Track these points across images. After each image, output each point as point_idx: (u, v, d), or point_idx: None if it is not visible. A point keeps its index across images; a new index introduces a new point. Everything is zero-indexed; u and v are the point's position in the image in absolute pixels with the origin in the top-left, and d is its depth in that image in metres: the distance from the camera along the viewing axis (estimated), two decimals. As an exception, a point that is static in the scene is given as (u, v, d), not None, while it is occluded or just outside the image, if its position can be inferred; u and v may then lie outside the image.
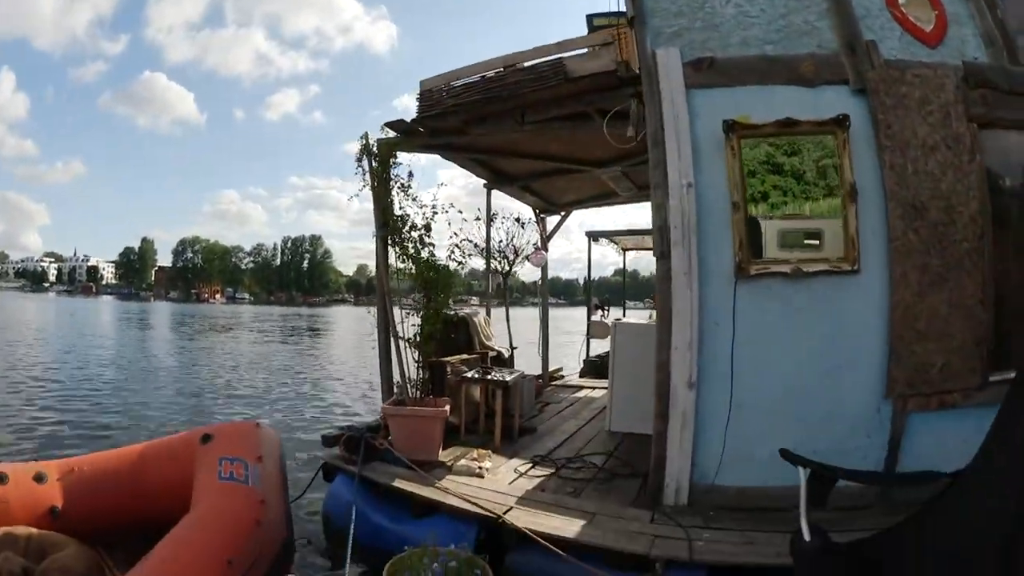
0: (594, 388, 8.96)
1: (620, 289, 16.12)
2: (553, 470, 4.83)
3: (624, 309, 12.81)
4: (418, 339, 5.28)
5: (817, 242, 4.17)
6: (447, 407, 5.02)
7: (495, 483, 4.42)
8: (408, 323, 5.38)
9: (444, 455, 4.90)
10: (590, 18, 5.16)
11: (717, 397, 4.00)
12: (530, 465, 4.94)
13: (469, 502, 3.90)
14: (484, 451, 4.88)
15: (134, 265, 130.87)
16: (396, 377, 5.39)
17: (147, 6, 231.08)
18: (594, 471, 4.83)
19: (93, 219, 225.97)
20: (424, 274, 5.29)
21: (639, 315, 10.52)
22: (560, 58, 4.78)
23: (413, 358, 5.30)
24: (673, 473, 4.04)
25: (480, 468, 4.51)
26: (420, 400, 5.10)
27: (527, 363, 8.61)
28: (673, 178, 4.05)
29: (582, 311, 12.81)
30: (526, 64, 4.98)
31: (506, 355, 7.83)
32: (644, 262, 12.92)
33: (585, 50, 4.76)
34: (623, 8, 4.90)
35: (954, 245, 4.12)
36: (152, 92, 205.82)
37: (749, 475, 3.98)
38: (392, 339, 5.47)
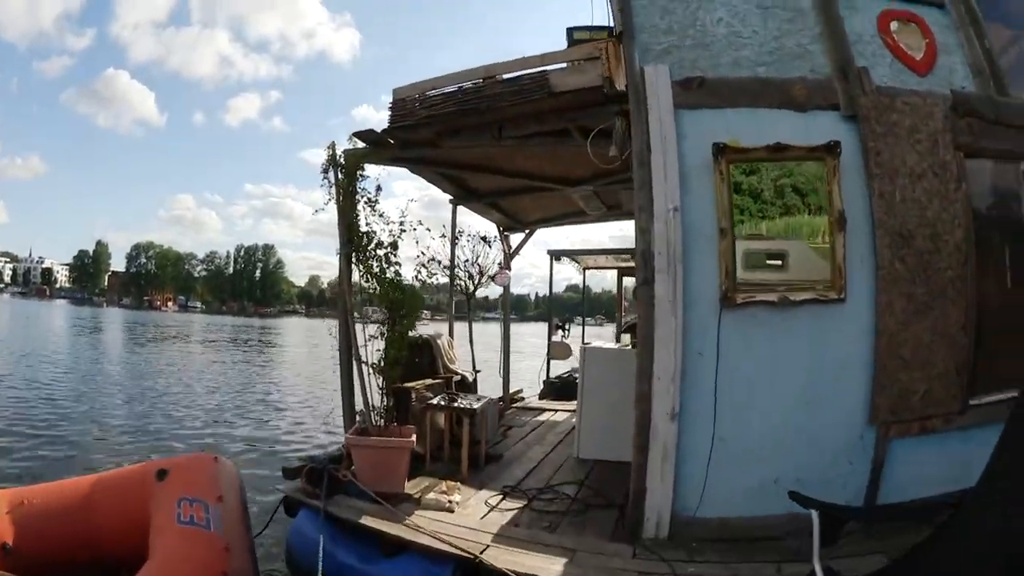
0: (556, 411, 8.83)
1: (572, 306, 16.12)
2: (525, 502, 4.68)
3: (583, 327, 12.75)
4: (383, 364, 5.04)
5: (780, 263, 4.12)
6: (413, 437, 4.84)
7: (466, 518, 4.26)
8: (372, 346, 5.12)
9: (410, 486, 4.73)
10: (571, 31, 4.96)
11: (699, 428, 3.92)
12: (501, 497, 4.78)
13: (443, 541, 3.73)
14: (453, 483, 4.70)
15: (88, 269, 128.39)
16: (359, 404, 5.16)
17: (115, 1, 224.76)
18: (568, 502, 4.70)
19: (50, 218, 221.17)
20: (389, 295, 5.05)
21: (595, 333, 10.31)
22: (544, 71, 4.63)
23: (377, 384, 5.05)
24: (654, 506, 3.93)
25: (450, 502, 4.34)
26: (384, 429, 4.89)
27: (485, 382, 8.48)
28: (659, 201, 3.96)
29: (534, 327, 12.86)
30: (506, 76, 4.82)
31: (470, 379, 7.66)
32: (596, 278, 12.95)
33: (564, 64, 4.59)
34: (604, 23, 4.79)
35: (939, 273, 4.14)
36: (114, 90, 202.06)
37: (731, 506, 3.92)
38: (355, 363, 5.26)
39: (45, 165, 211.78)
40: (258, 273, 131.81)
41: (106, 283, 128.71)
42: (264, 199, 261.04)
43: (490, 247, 8.82)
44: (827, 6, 4.47)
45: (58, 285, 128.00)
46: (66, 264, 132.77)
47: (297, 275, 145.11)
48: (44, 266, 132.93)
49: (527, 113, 4.88)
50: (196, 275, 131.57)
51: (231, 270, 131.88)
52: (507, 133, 5.07)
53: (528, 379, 11.62)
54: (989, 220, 4.81)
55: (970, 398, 4.09)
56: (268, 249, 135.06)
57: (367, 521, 4.03)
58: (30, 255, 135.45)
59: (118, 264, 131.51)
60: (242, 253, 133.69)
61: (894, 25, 4.60)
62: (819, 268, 4.05)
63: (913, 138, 4.23)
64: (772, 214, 4.11)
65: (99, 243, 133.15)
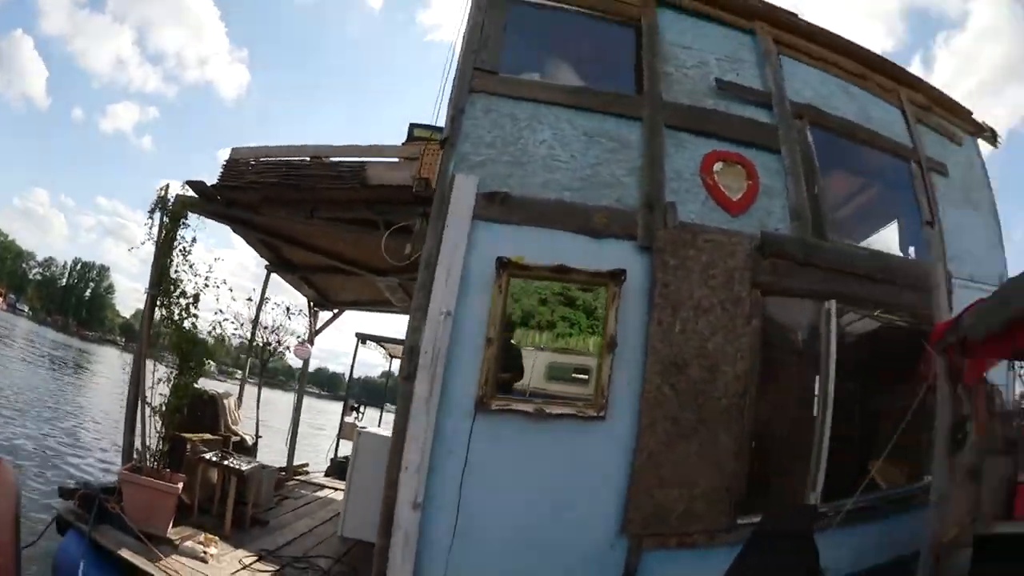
0: (336, 489, 8.94)
1: (383, 391, 16.62)
2: (278, 567, 4.93)
3: (382, 412, 13.33)
4: (164, 410, 5.25)
5: (586, 376, 4.53)
6: (180, 484, 5.04)
7: (218, 571, 4.52)
8: (158, 389, 5.32)
9: (173, 532, 4.93)
10: (412, 127, 5.30)
11: (444, 521, 4.20)
12: (256, 559, 5.00)
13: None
14: (212, 537, 4.91)
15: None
16: (138, 443, 5.33)
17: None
18: (319, 574, 4.96)
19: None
20: (182, 345, 5.31)
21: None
22: (363, 162, 5.02)
23: (156, 428, 5.25)
24: (393, 587, 4.23)
25: (205, 552, 4.63)
26: (158, 472, 5.09)
27: (275, 452, 8.67)
28: (434, 304, 4.34)
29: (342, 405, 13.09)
30: (332, 159, 5.18)
31: (249, 443, 7.83)
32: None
33: (396, 159, 4.94)
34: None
35: (713, 401, 4.59)
36: (14, 55, 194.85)
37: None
38: (140, 403, 5.43)
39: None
40: (88, 293, 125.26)
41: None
42: (112, 216, 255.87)
43: (289, 319, 9.19)
44: (653, 141, 5.02)
45: None
46: None
47: (125, 305, 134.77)
48: None
49: (340, 199, 5.22)
50: (31, 277, 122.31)
51: (64, 282, 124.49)
52: (318, 213, 5.40)
53: (321, 455, 11.80)
54: (787, 353, 5.35)
55: (739, 517, 4.46)
56: (103, 271, 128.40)
57: (126, 554, 4.25)
58: None
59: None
60: (78, 267, 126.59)
61: (718, 165, 5.18)
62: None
63: (707, 273, 4.74)
64: (600, 331, 4.49)
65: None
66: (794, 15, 6.56)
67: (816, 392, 5.19)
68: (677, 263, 4.68)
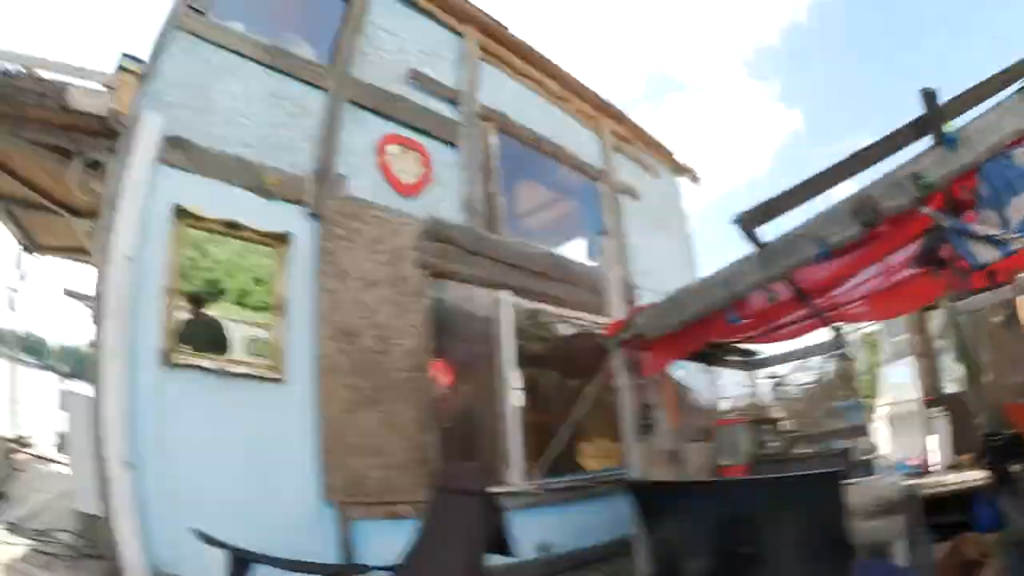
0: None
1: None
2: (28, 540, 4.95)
3: None
4: None
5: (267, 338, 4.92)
6: None
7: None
8: None
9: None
10: (124, 56, 5.25)
11: (155, 484, 4.27)
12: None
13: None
14: None
15: None
16: None
17: None
18: (63, 547, 5.03)
19: None
20: None
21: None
22: (67, 84, 4.94)
23: None
24: (128, 557, 4.12)
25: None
26: None
27: None
28: (116, 247, 4.41)
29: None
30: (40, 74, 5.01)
31: None
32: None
33: (102, 87, 4.96)
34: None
35: (388, 372, 5.18)
36: None
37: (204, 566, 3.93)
38: None
39: None
40: None
41: None
42: None
43: None
44: (334, 113, 5.62)
45: None
46: None
47: None
48: None
49: (42, 120, 5.07)
50: None
51: None
52: (23, 133, 5.18)
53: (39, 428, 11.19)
54: (469, 336, 6.32)
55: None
56: None
57: None
58: None
59: None
60: None
61: (393, 148, 5.93)
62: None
63: (375, 248, 5.37)
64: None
65: None
66: (505, 28, 7.59)
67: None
68: (345, 233, 5.24)
